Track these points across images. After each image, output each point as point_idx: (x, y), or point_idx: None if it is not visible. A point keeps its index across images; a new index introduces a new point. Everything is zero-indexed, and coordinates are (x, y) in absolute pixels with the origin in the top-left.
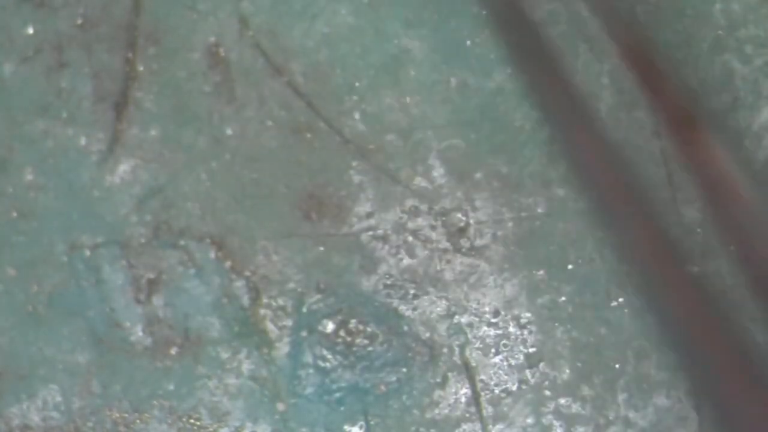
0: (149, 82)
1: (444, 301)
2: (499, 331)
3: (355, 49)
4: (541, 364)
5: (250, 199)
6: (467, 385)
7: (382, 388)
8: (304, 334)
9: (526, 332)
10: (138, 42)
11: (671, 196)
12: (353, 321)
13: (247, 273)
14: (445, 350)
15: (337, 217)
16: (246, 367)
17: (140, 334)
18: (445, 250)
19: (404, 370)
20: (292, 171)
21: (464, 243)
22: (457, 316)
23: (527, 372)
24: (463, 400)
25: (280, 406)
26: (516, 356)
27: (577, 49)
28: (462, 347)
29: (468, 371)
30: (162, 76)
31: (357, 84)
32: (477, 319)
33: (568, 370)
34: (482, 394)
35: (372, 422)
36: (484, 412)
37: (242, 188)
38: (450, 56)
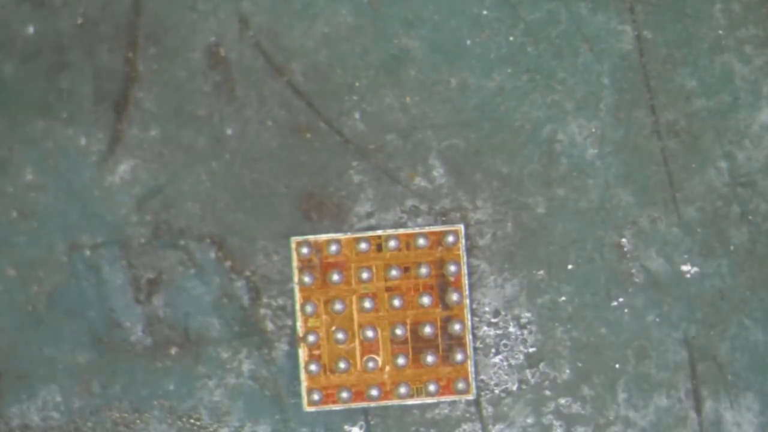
0: (149, 82)
1: None
2: (499, 331)
3: (355, 49)
4: (541, 364)
5: (250, 199)
6: None
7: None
8: None
9: (526, 332)
10: (138, 42)
11: (671, 196)
12: None
13: (247, 273)
14: None
15: (337, 217)
16: (246, 367)
17: (140, 334)
18: None
19: None
20: (292, 171)
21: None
22: None
23: (527, 372)
24: (463, 400)
25: (280, 406)
26: (516, 356)
27: (577, 49)
28: None
29: None
30: (162, 76)
31: (357, 84)
32: (477, 319)
33: (568, 370)
34: (482, 394)
35: (372, 422)
36: (484, 412)
37: (242, 188)
38: (450, 56)
